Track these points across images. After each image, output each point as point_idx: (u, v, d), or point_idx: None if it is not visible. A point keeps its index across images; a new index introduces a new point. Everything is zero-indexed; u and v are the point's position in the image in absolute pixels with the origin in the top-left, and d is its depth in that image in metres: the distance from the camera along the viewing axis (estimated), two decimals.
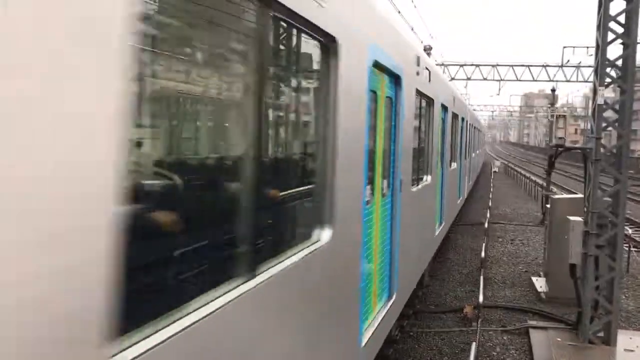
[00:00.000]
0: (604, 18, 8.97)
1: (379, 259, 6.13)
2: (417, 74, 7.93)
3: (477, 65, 40.75)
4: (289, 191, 3.84)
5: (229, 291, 2.56)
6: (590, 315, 9.25)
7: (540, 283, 13.04)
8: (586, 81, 38.80)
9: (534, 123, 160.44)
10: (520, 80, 40.74)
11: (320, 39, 3.88)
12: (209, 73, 2.74)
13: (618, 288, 9.29)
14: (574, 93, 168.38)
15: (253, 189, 2.88)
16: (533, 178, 39.96)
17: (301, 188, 4.04)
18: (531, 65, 40.43)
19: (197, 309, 2.31)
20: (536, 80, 40.79)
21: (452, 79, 39.27)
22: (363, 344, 5.25)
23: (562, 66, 39.51)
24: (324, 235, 4.03)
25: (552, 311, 11.20)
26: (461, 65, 40.51)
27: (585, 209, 9.35)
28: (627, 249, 15.18)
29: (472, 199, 29.10)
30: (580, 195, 11.01)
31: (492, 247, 17.79)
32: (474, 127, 28.15)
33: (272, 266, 3.11)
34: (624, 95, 9.11)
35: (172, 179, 2.43)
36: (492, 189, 34.38)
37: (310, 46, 3.89)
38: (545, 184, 26.31)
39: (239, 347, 2.63)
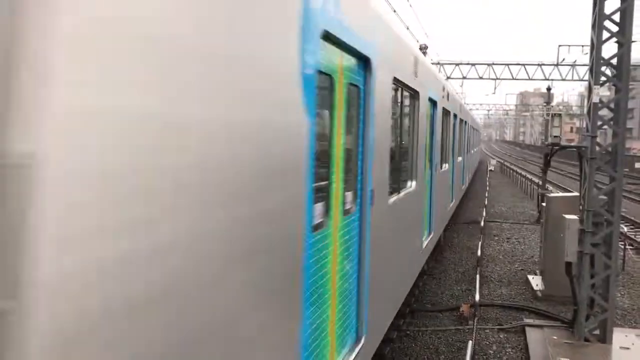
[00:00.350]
0: (599, 17, 8.99)
1: (339, 298, 4.57)
2: (397, 58, 6.48)
3: (473, 64, 40.82)
4: None
5: None
6: (586, 313, 9.28)
7: (536, 281, 13.07)
8: (581, 80, 38.89)
9: (530, 122, 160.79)
10: (515, 79, 40.84)
11: None
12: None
13: (614, 286, 9.32)
14: (570, 92, 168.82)
15: None
16: (529, 176, 40.06)
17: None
18: (527, 64, 40.54)
19: None
20: (532, 79, 40.88)
21: (448, 77, 39.33)
22: None
23: (557, 65, 39.62)
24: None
25: (548, 309, 11.23)
26: (457, 64, 40.57)
27: (581, 207, 9.38)
28: (622, 247, 15.23)
29: (468, 198, 29.14)
30: (576, 194, 11.04)
31: (488, 245, 17.82)
32: (469, 125, 26.43)
33: None
34: (619, 94, 9.13)
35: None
36: (488, 188, 34.43)
37: None
38: (541, 183, 26.39)
39: None
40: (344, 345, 4.84)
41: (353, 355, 4.90)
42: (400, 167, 7.51)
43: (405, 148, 8.08)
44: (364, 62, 5.11)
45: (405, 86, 7.44)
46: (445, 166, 13.95)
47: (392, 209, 6.56)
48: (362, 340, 5.20)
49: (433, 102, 10.71)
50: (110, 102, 1.61)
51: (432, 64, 29.26)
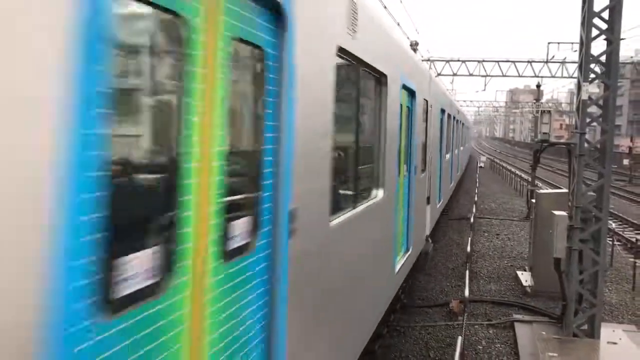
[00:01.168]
0: (588, 14, 9.04)
1: None
2: (340, 21, 4.55)
3: (463, 61, 40.92)
4: None
5: None
6: (574, 309, 9.35)
7: (525, 277, 13.15)
8: (571, 77, 39.07)
9: (520, 118, 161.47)
10: (505, 76, 40.98)
11: None
12: None
13: (602, 282, 9.40)
14: (559, 89, 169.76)
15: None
16: (518, 173, 40.29)
17: None
18: (517, 61, 40.68)
19: None
20: (521, 76, 41.05)
21: (439, 74, 39.40)
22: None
23: (547, 62, 39.78)
24: None
25: (537, 305, 11.31)
26: (447, 61, 40.65)
27: (570, 204, 9.44)
28: (610, 243, 15.36)
29: (458, 194, 29.24)
30: (565, 190, 11.12)
31: (478, 241, 17.91)
32: (458, 121, 24.40)
33: None
34: (607, 91, 9.19)
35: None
36: (477, 184, 34.56)
37: None
38: (530, 179, 26.52)
39: None
40: None
41: None
42: (356, 173, 5.65)
43: (364, 149, 6.11)
44: (272, 9, 3.17)
45: (362, 63, 5.48)
46: (429, 167, 12.25)
47: (338, 232, 4.69)
48: None
49: (410, 92, 8.86)
50: None
51: (423, 60, 29.23)
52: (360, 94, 5.74)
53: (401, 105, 7.90)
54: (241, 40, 2.84)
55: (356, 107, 5.59)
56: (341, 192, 5.16)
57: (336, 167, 4.66)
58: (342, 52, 4.63)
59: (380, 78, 6.53)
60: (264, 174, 3.21)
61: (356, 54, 5.05)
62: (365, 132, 6.24)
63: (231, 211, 2.81)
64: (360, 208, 5.59)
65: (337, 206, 4.78)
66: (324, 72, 4.15)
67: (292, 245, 3.51)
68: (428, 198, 12.08)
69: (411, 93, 9.01)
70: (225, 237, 2.75)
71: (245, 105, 3.13)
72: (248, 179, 3.12)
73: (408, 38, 23.85)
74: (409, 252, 9.19)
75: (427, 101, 11.08)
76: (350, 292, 5.21)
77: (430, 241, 12.60)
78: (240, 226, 2.96)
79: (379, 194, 6.58)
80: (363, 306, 5.84)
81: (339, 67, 4.58)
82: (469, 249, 14.82)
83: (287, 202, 3.42)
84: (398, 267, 8.16)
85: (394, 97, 7.14)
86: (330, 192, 4.35)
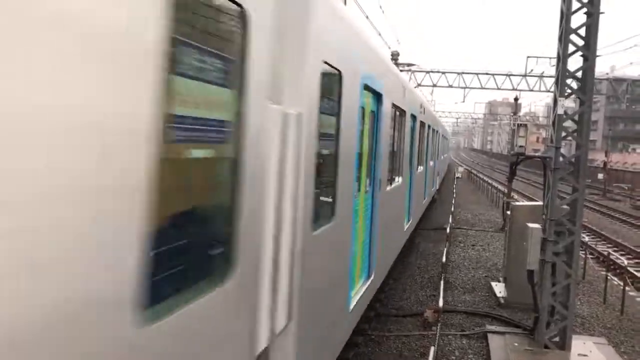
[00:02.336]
0: (565, 31, 9.19)
1: None
2: None
3: (443, 73, 41.32)
4: None
5: None
6: (546, 321, 9.46)
7: (499, 288, 13.27)
8: (548, 91, 39.66)
9: (498, 130, 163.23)
10: (484, 89, 41.43)
11: None
12: None
13: (574, 294, 9.52)
14: (537, 102, 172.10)
15: None
16: (495, 184, 40.70)
17: None
18: (496, 74, 41.19)
19: None
20: (500, 89, 41.54)
21: (419, 85, 39.72)
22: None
23: (525, 75, 40.35)
24: None
25: (510, 316, 11.42)
26: (427, 72, 41.01)
27: (544, 217, 9.56)
28: (583, 256, 15.56)
29: (434, 205, 29.44)
30: (540, 203, 11.25)
31: (454, 252, 18.03)
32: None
33: None
34: (582, 107, 9.35)
35: None
36: (454, 195, 34.83)
37: None
38: (506, 191, 26.81)
39: None
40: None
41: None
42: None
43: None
44: None
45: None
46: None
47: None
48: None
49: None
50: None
51: (402, 70, 29.37)
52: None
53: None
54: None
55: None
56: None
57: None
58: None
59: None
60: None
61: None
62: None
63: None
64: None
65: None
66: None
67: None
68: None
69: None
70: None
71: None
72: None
73: (389, 48, 23.99)
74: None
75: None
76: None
77: None
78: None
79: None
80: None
81: None
82: (444, 259, 14.92)
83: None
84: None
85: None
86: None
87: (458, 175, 53.74)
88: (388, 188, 9.20)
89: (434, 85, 41.21)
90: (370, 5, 20.11)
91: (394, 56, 20.17)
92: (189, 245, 2.71)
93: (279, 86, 3.78)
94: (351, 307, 6.50)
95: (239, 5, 2.96)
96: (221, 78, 3.00)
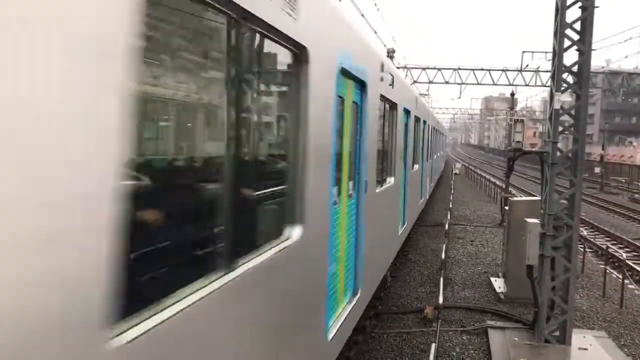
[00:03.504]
0: (560, 25, 9.19)
1: None
2: None
3: (439, 69, 41.28)
4: None
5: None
6: (546, 315, 9.47)
7: (498, 284, 13.29)
8: (544, 85, 39.66)
9: (494, 126, 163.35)
10: (480, 84, 41.44)
11: None
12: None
13: (573, 288, 9.53)
14: (533, 97, 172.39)
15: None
16: (492, 180, 40.73)
17: None
18: (491, 70, 41.18)
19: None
20: (496, 84, 41.54)
21: (415, 82, 39.71)
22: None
23: (521, 70, 40.32)
24: None
25: (510, 311, 11.43)
26: (423, 69, 40.98)
27: (542, 211, 9.57)
28: (582, 250, 15.59)
29: (433, 201, 29.45)
30: (538, 198, 11.26)
31: (453, 248, 18.05)
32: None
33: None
34: (579, 101, 9.35)
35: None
36: (452, 191, 34.85)
37: None
38: (504, 186, 26.85)
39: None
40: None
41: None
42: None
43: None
44: None
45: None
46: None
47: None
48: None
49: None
50: None
51: (399, 67, 29.34)
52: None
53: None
54: None
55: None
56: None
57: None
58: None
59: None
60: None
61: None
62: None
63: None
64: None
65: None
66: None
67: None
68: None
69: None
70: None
71: None
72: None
73: (385, 46, 23.99)
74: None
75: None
76: None
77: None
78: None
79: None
80: None
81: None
82: (443, 255, 14.93)
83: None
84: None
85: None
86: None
87: (456, 171, 53.77)
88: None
89: (430, 82, 41.19)
90: (366, 3, 20.07)
91: (390, 53, 20.15)
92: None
93: None
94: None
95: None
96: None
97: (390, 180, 10.01)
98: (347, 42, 5.82)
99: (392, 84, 9.53)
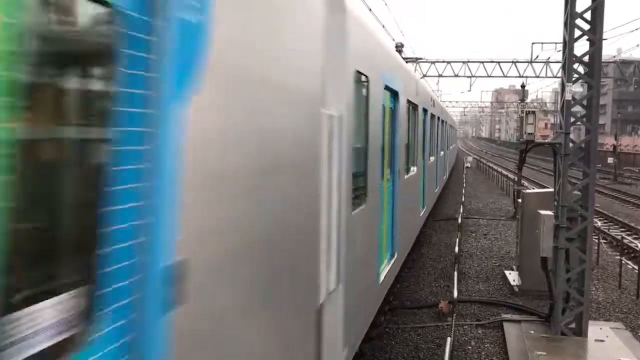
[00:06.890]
0: (570, 15, 9.12)
1: None
2: None
3: (449, 62, 41.09)
4: None
5: None
6: (562, 308, 9.42)
7: (513, 277, 13.23)
8: (555, 77, 39.36)
9: (505, 118, 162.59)
10: (490, 77, 41.19)
11: None
12: None
13: (589, 280, 9.48)
14: (544, 88, 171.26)
15: None
16: (504, 173, 40.51)
17: None
18: (501, 62, 40.91)
19: None
20: (506, 76, 41.27)
21: (424, 75, 39.58)
22: None
23: (531, 62, 40.03)
24: None
25: (525, 304, 11.38)
26: (433, 62, 40.81)
27: (556, 203, 9.52)
28: (596, 241, 15.49)
29: (445, 195, 29.37)
30: (551, 190, 11.20)
31: (466, 241, 17.99)
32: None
33: None
34: (590, 91, 9.28)
35: None
36: (464, 185, 34.72)
37: None
38: (516, 179, 26.69)
39: None
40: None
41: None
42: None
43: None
44: None
45: None
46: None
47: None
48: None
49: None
50: None
51: (408, 61, 29.22)
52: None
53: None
54: None
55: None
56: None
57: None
58: None
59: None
60: None
61: None
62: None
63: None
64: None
65: None
66: None
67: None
68: None
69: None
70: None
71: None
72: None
73: (393, 40, 23.92)
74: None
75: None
76: None
77: None
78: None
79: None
80: None
81: None
82: (457, 249, 14.89)
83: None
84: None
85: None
86: None
87: (467, 164, 53.58)
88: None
89: (440, 76, 41.01)
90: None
91: (398, 47, 20.10)
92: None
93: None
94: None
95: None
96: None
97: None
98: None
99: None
